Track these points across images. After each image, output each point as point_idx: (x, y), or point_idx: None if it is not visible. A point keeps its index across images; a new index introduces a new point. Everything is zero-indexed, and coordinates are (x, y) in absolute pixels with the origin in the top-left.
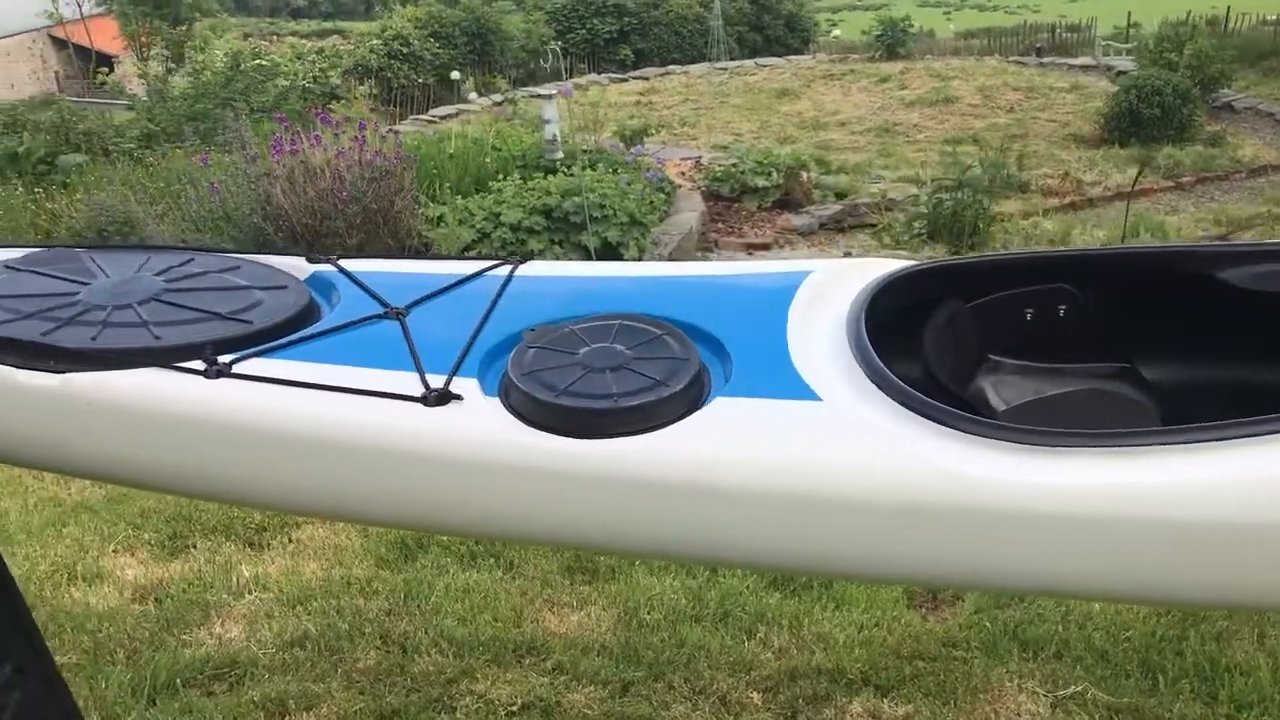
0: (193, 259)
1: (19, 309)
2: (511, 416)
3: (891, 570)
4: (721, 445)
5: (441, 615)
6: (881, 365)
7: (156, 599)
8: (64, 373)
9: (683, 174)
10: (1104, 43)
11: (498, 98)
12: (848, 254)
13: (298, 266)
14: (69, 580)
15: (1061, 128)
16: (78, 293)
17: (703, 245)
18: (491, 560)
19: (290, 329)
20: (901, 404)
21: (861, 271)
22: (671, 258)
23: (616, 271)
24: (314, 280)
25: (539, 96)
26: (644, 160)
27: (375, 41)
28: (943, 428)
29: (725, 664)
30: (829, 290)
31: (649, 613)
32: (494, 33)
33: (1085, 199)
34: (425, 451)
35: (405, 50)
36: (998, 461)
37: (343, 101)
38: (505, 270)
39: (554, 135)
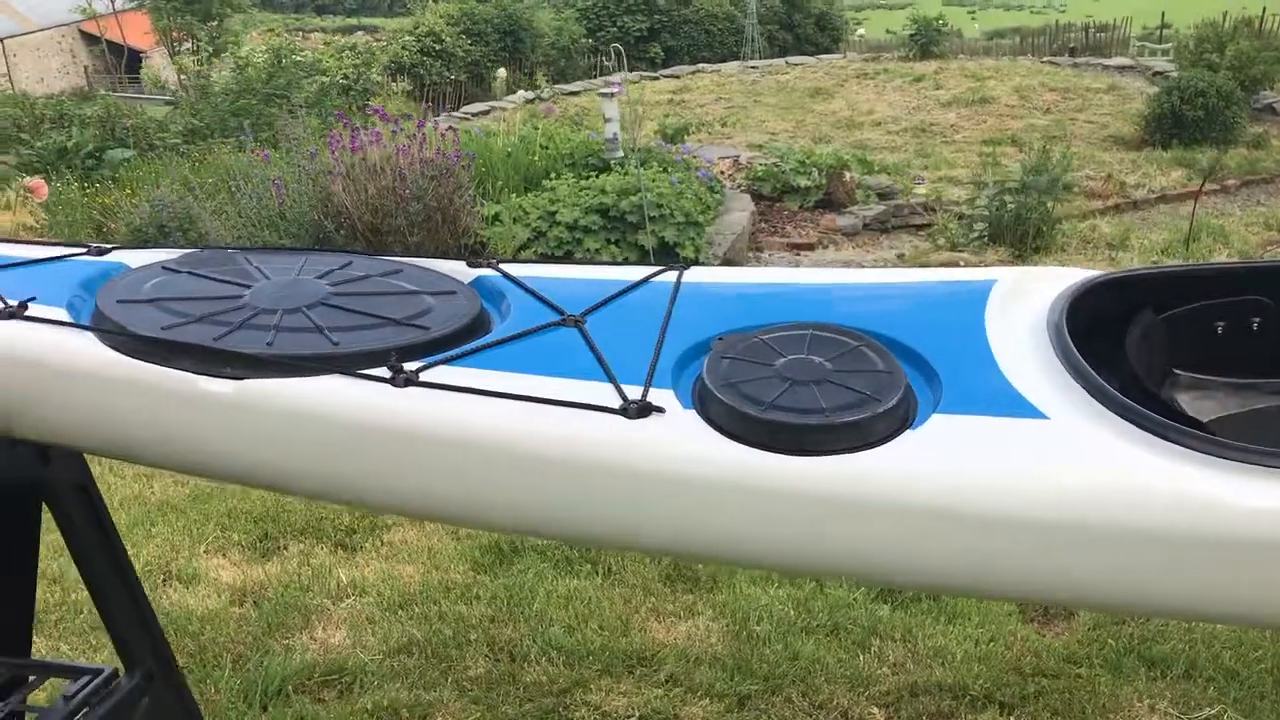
0: (351, 262)
1: (187, 312)
2: (713, 429)
3: (1131, 599)
4: (947, 465)
5: (547, 623)
6: (1102, 381)
7: (254, 602)
8: (241, 379)
9: (722, 173)
10: (1138, 43)
11: (530, 95)
12: (901, 256)
13: (459, 271)
14: (164, 581)
15: (1100, 129)
16: (242, 296)
17: (754, 246)
18: (589, 566)
19: (468, 336)
20: (1130, 421)
21: (1045, 281)
22: (725, 258)
23: (784, 279)
24: (478, 285)
25: (572, 94)
26: (693, 159)
27: (408, 38)
28: (1177, 446)
29: (842, 678)
30: (1018, 300)
31: (758, 624)
32: (525, 30)
33: (1129, 201)
34: (629, 465)
35: (438, 47)
36: (1241, 484)
37: (379, 98)
38: (672, 276)
39: (614, 134)
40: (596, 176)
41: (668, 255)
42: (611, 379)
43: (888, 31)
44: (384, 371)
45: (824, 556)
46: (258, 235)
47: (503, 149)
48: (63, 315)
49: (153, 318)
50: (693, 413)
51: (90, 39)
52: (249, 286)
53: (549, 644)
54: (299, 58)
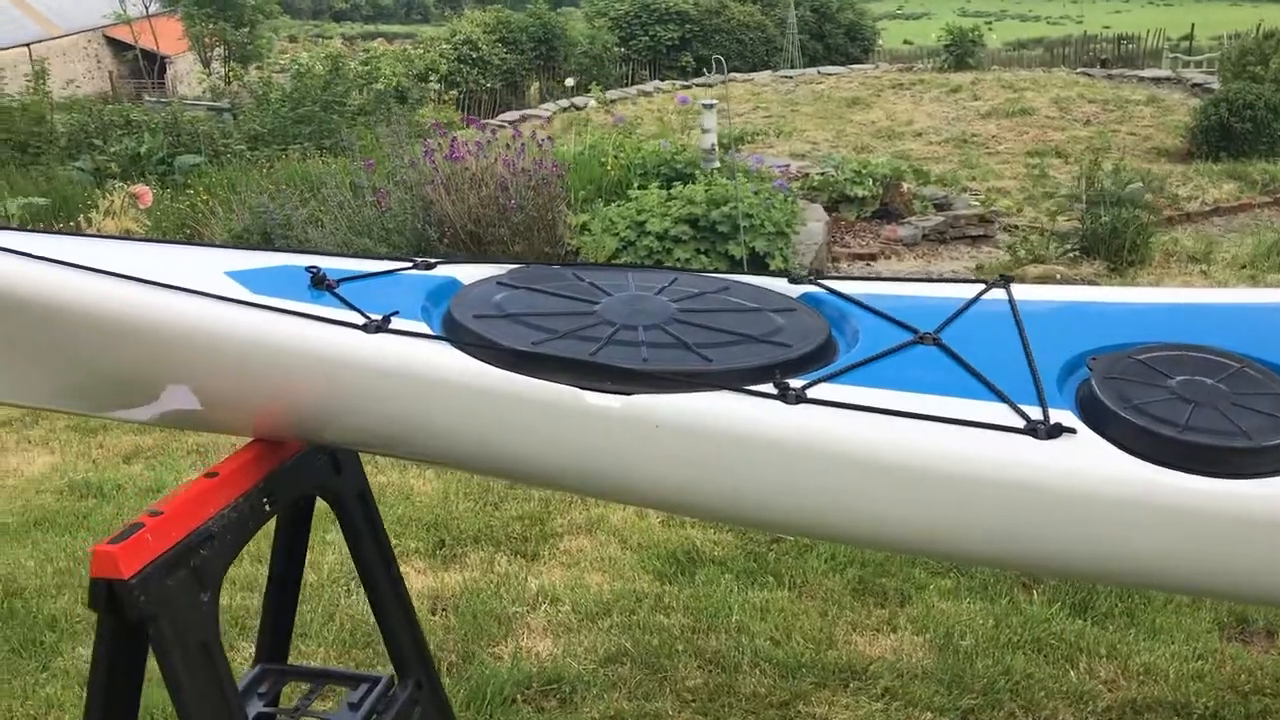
0: (676, 278)
1: (550, 327)
2: (1123, 451)
3: None
4: None
5: (750, 635)
6: None
7: (446, 609)
8: (626, 393)
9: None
10: (1172, 54)
11: (565, 103)
12: (979, 268)
13: (782, 287)
14: (357, 585)
15: (1143, 141)
16: (592, 312)
17: (831, 256)
18: (772, 579)
19: (826, 353)
20: None
21: None
22: (808, 268)
23: (1114, 297)
24: (808, 302)
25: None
26: (767, 170)
27: (445, 46)
28: None
29: (1059, 693)
30: None
31: (962, 639)
32: (559, 38)
33: (1183, 214)
34: (1043, 486)
35: (474, 55)
36: None
37: (430, 106)
38: (1000, 292)
39: (712, 145)
40: (682, 186)
41: (758, 266)
42: (1004, 398)
43: (905, 42)
44: (768, 388)
45: (1245, 576)
46: (358, 242)
47: (569, 158)
48: (423, 328)
49: (516, 332)
50: (1093, 433)
51: (115, 44)
52: (595, 303)
53: (758, 655)
54: (357, 65)
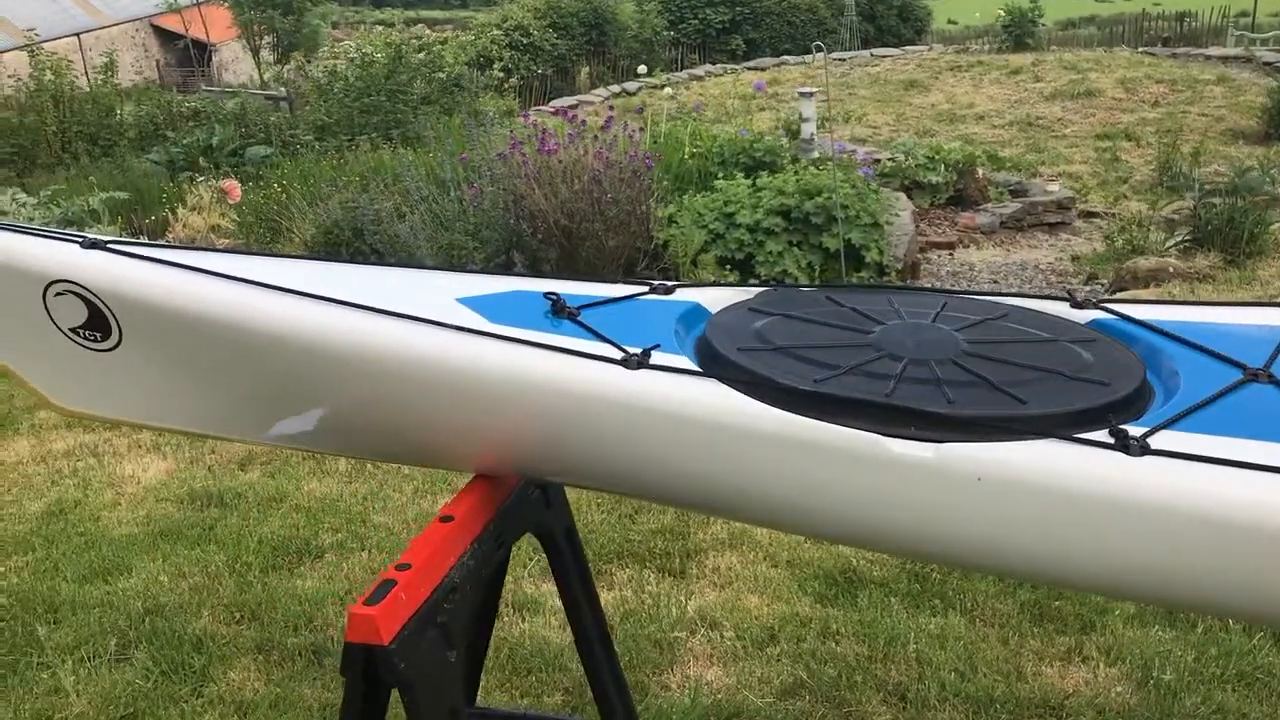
0: (945, 303)
1: (827, 362)
2: None
3: None
4: None
5: (933, 666)
6: None
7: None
8: (935, 440)
9: None
10: (1237, 32)
11: (616, 89)
12: (1076, 258)
13: (1065, 311)
14: (512, 611)
15: (1216, 122)
16: (868, 344)
17: (922, 247)
18: (937, 602)
19: (1147, 393)
20: None
21: None
22: (901, 260)
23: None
24: (1101, 329)
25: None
26: (851, 157)
27: (496, 32)
28: None
29: None
30: None
31: (1163, 671)
32: (610, 23)
33: (1272, 198)
34: None
35: (525, 41)
36: None
37: (491, 95)
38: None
39: (811, 134)
40: (768, 175)
41: (852, 257)
42: None
43: (950, 22)
44: (1101, 435)
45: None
46: (446, 238)
47: (646, 147)
48: (686, 363)
49: (790, 367)
50: None
51: (160, 33)
52: (868, 332)
53: (945, 688)
54: (420, 54)
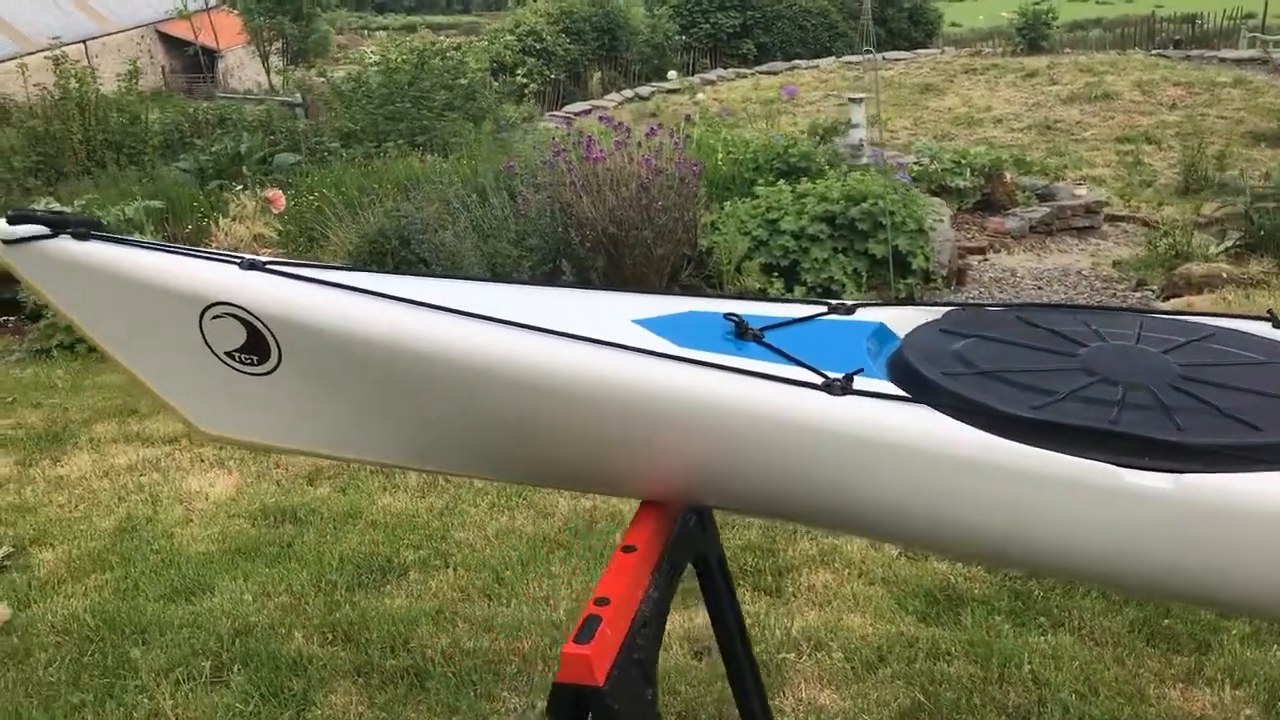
0: (1142, 322)
1: (1040, 387)
2: None
3: None
4: None
5: (1051, 688)
6: None
7: (699, 654)
8: (1176, 471)
9: None
10: (1250, 34)
11: (629, 93)
12: (1117, 263)
13: (1266, 330)
14: None
15: (1236, 125)
16: (1077, 367)
17: (961, 253)
18: (1044, 620)
19: None
20: None
21: None
22: (946, 267)
23: None
24: None
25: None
26: (888, 162)
27: (509, 37)
28: None
29: None
30: None
31: None
32: (621, 27)
33: None
34: None
35: (538, 46)
36: None
37: (510, 101)
38: None
39: (860, 140)
40: (810, 182)
41: (900, 265)
42: None
43: (952, 24)
44: None
45: None
46: (491, 247)
47: (727, 157)
48: (891, 388)
49: (1002, 392)
50: None
51: (166, 39)
52: (1073, 355)
53: (1068, 712)
54: (442, 59)
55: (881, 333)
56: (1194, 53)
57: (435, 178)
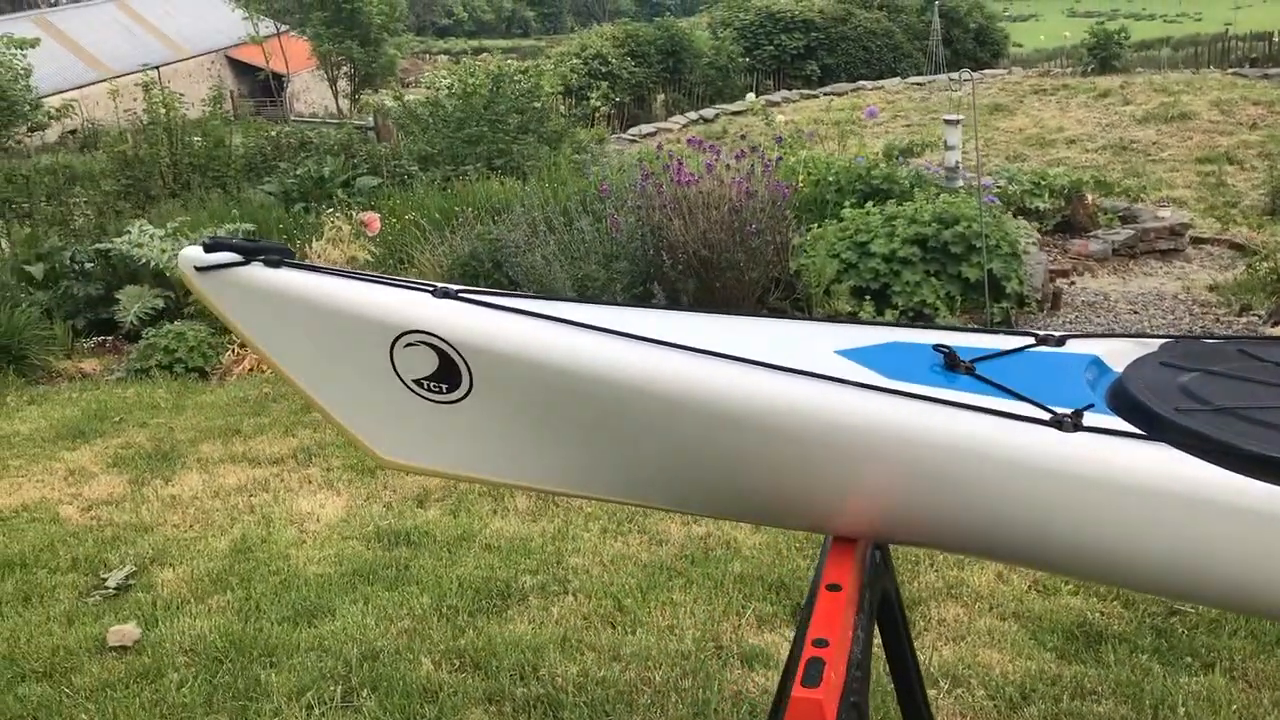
0: None
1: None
2: None
3: None
4: None
5: None
6: None
7: None
8: None
9: None
10: None
11: (694, 115)
12: (1213, 288)
13: None
14: (721, 657)
15: None
16: None
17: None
18: (1191, 659)
19: None
20: None
21: None
22: (1039, 290)
23: None
24: None
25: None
26: (978, 183)
27: (575, 60)
28: None
29: None
30: None
31: None
32: (686, 50)
33: None
34: None
35: (604, 69)
36: None
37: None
38: None
39: (956, 162)
40: (898, 204)
41: (994, 289)
42: None
43: (1015, 45)
44: None
45: None
46: (580, 269)
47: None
48: (1123, 425)
49: (1241, 429)
50: None
51: (236, 65)
52: None
53: None
54: (521, 82)
55: (1098, 365)
56: (1271, 71)
57: (520, 200)
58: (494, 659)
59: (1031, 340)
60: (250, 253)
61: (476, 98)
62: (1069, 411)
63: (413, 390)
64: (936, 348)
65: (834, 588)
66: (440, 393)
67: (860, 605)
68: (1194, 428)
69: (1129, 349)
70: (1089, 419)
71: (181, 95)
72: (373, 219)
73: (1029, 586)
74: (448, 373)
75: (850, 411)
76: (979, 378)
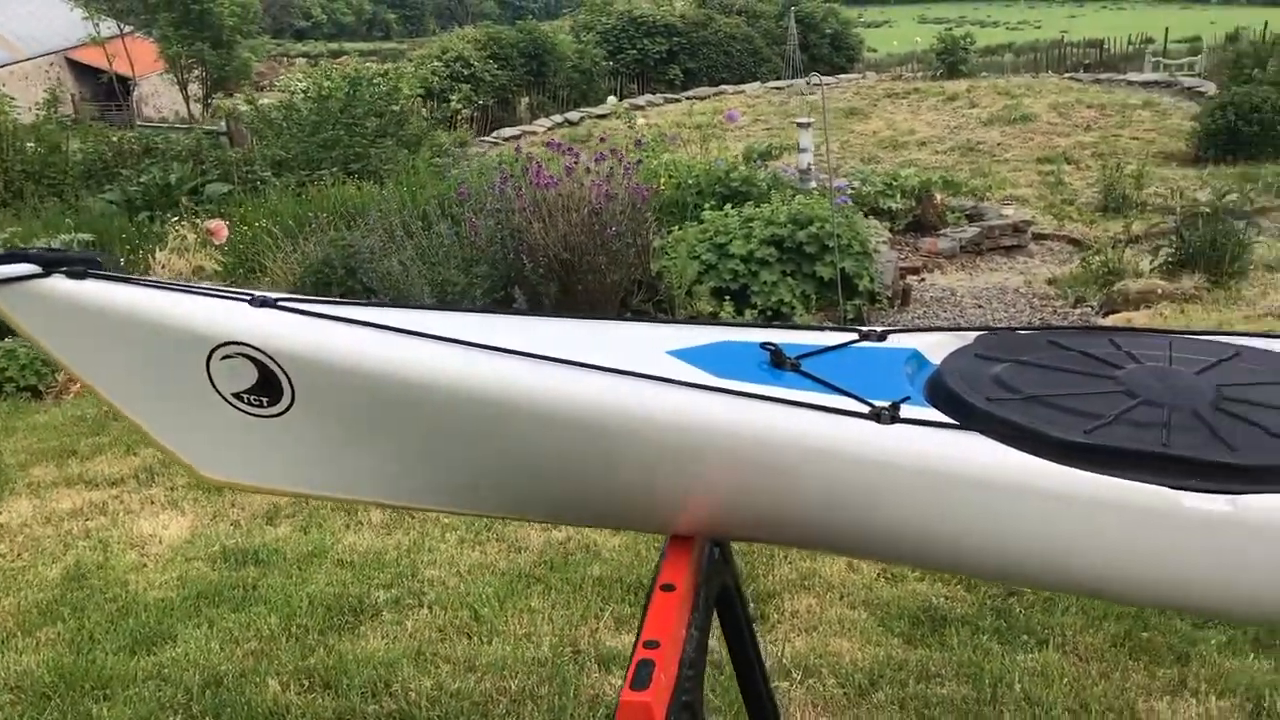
0: (1171, 342)
1: (1086, 410)
2: None
3: None
4: None
5: (1044, 706)
6: None
7: (706, 686)
8: (1232, 493)
9: None
10: (1154, 58)
11: (558, 118)
12: (1052, 281)
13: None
14: (577, 660)
15: (1148, 145)
16: (1119, 390)
17: (902, 273)
18: (1028, 637)
19: None
20: None
21: None
22: (890, 288)
23: None
24: None
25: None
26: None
27: (436, 63)
28: None
29: None
30: None
31: (1273, 702)
32: (549, 53)
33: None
34: None
35: (466, 72)
36: None
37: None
38: None
39: (809, 165)
40: (756, 206)
41: (847, 288)
42: None
43: (869, 50)
44: None
45: None
46: (439, 274)
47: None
48: (938, 415)
49: (1049, 417)
50: None
51: (77, 67)
52: (1110, 378)
53: None
54: (376, 85)
55: (917, 359)
56: (1103, 76)
57: (377, 205)
58: (344, 677)
59: (855, 336)
60: (51, 263)
61: (333, 101)
62: (887, 404)
63: (231, 404)
64: (763, 345)
65: (668, 588)
66: (261, 406)
67: (695, 603)
68: (1004, 416)
69: (947, 342)
70: (906, 411)
71: (13, 99)
72: (219, 227)
73: (878, 575)
74: (268, 385)
75: (678, 411)
76: (804, 374)
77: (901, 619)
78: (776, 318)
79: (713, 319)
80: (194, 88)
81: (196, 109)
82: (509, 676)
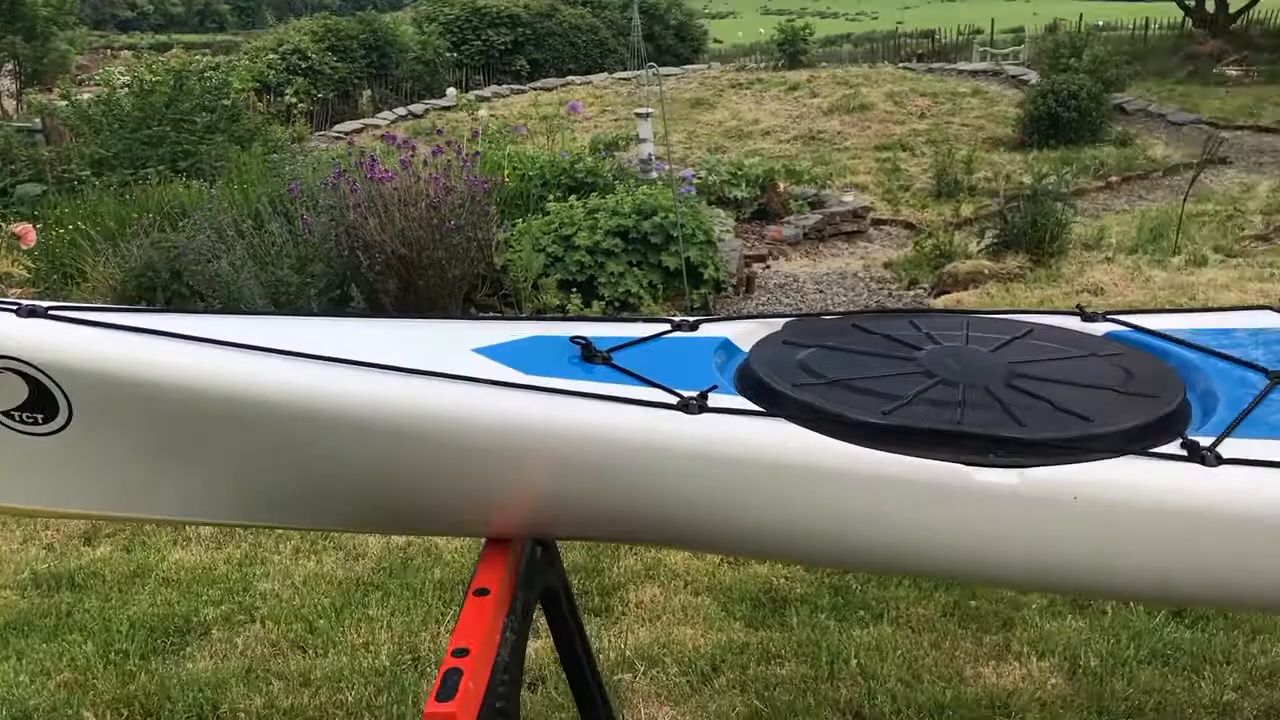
0: (968, 321)
1: (886, 392)
2: None
3: None
4: None
5: (879, 679)
6: None
7: (549, 681)
8: (1020, 467)
9: None
10: (982, 49)
11: (402, 111)
12: (888, 264)
13: (1077, 325)
14: (416, 666)
15: (977, 131)
16: (918, 371)
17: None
18: (864, 612)
19: (1190, 403)
20: None
21: None
22: (735, 276)
23: None
24: (1123, 341)
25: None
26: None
27: (272, 56)
28: None
29: (1202, 707)
30: None
31: (1088, 659)
32: (390, 45)
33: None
34: None
35: (304, 64)
36: None
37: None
38: (1256, 319)
39: (649, 155)
40: (600, 197)
41: (692, 277)
42: None
43: (715, 41)
44: (1173, 448)
45: None
46: (272, 274)
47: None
48: (745, 404)
49: (853, 400)
50: None
51: None
52: (910, 359)
53: (896, 700)
54: (207, 79)
55: (727, 347)
56: (935, 65)
57: (204, 204)
58: (168, 702)
59: (667, 326)
60: None
61: (157, 95)
62: (694, 394)
63: (3, 424)
64: (573, 339)
65: (481, 592)
66: (34, 424)
67: (512, 607)
68: (808, 400)
69: (757, 329)
70: (714, 400)
71: None
72: (27, 230)
73: (720, 561)
74: (41, 401)
75: (484, 410)
76: (615, 367)
77: (744, 602)
78: (624, 308)
79: (518, 315)
80: (6, 82)
81: (10, 105)
82: (345, 689)
